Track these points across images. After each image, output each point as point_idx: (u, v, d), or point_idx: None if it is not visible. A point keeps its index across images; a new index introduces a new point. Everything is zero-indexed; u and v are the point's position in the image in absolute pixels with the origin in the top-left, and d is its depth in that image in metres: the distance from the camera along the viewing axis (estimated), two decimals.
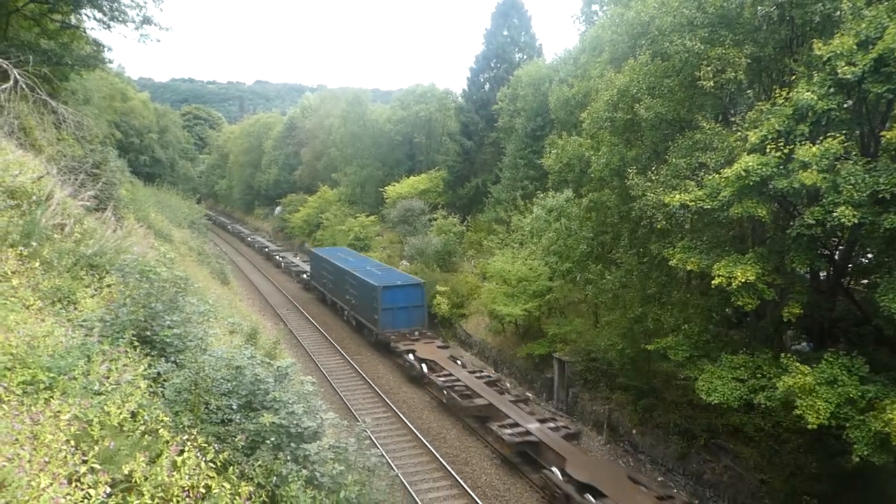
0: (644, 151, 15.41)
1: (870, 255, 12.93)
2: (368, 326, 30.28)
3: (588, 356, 21.33)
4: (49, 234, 9.79)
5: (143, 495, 5.04)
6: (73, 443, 5.02)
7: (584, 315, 23.76)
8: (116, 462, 5.10)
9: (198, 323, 9.22)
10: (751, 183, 10.92)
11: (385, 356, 28.71)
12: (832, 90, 10.70)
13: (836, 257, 13.07)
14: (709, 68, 12.66)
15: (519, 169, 33.55)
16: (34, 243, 8.85)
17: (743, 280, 11.29)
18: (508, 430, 18.36)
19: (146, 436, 5.77)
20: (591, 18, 24.27)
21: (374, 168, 52.46)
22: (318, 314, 36.78)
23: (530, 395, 23.58)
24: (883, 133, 10.48)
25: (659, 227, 13.92)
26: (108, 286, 9.42)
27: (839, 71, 10.38)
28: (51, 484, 4.31)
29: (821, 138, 10.71)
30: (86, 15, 20.89)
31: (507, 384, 23.48)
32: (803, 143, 10.68)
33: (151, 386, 6.85)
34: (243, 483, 6.21)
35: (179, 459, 5.62)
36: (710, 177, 11.92)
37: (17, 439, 4.62)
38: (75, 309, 8.09)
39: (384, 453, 17.83)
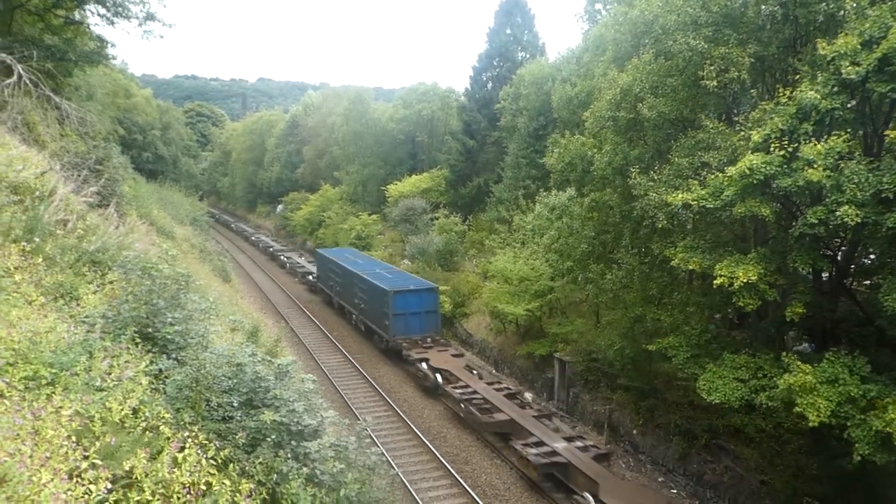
0: (647, 151, 15.40)
1: (872, 256, 12.91)
2: (379, 333, 28.83)
3: (589, 356, 21.27)
4: (52, 229, 9.81)
5: (143, 491, 5.04)
6: (74, 438, 5.03)
7: (585, 315, 23.74)
8: (117, 458, 5.11)
9: (199, 320, 9.22)
10: (754, 181, 10.90)
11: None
12: (836, 89, 10.69)
13: (839, 257, 13.03)
14: (712, 67, 12.64)
15: (521, 168, 33.41)
16: (37, 239, 8.88)
17: (745, 280, 11.25)
18: (534, 450, 16.72)
19: (147, 432, 5.78)
20: (595, 17, 24.30)
21: (376, 166, 52.39)
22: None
23: (552, 408, 22.08)
24: (886, 132, 10.48)
25: (661, 226, 13.90)
26: (111, 282, 9.44)
27: (843, 70, 10.36)
28: (52, 479, 4.31)
29: (825, 137, 10.70)
30: (89, 10, 20.91)
31: (528, 396, 21.88)
32: (807, 141, 10.67)
33: (153, 382, 6.85)
34: (244, 480, 6.21)
35: (180, 456, 5.62)
36: (714, 176, 11.90)
37: (18, 434, 4.63)
38: (77, 305, 8.10)
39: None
